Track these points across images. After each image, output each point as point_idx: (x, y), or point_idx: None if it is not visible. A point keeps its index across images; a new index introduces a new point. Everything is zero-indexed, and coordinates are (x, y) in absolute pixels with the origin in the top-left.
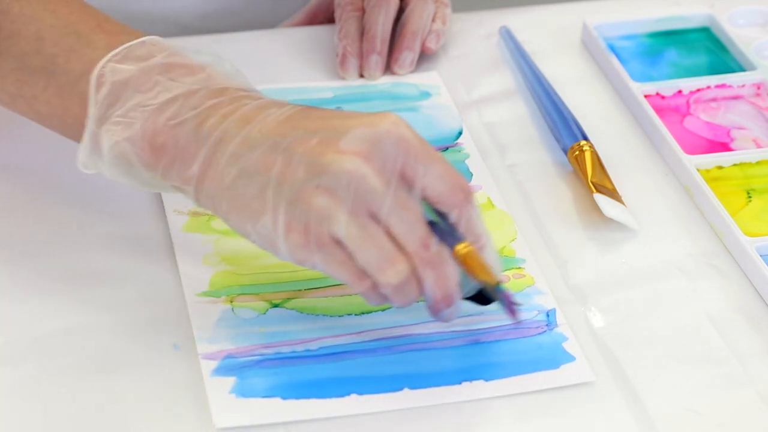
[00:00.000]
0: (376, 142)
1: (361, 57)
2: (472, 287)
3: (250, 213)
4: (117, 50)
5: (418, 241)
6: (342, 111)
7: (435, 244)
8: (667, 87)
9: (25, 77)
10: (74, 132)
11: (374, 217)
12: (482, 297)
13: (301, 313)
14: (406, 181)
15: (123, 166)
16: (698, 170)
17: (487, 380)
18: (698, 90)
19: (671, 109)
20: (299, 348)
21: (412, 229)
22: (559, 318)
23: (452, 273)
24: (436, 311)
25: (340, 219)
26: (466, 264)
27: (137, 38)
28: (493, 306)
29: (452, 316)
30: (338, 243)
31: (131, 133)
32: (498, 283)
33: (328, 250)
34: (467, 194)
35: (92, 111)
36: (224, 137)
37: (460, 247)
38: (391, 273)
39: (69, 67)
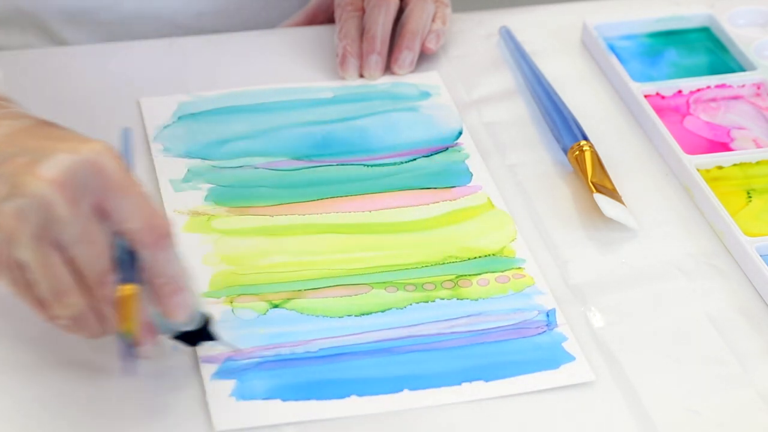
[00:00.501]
0: (74, 171)
1: (361, 57)
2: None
3: None
4: None
5: (96, 276)
6: (66, 132)
7: (111, 283)
8: (667, 87)
9: None
10: None
11: (58, 247)
12: (193, 336)
13: (301, 314)
14: (100, 214)
15: None
16: (698, 170)
17: (487, 381)
18: (698, 90)
19: (671, 109)
20: (299, 349)
21: (92, 263)
22: (559, 318)
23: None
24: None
25: (22, 243)
26: (116, 307)
27: None
28: (207, 344)
29: (143, 354)
30: (21, 267)
31: None
32: (127, 334)
33: (13, 273)
34: (160, 235)
35: None
36: None
37: (119, 289)
38: (62, 306)
39: None
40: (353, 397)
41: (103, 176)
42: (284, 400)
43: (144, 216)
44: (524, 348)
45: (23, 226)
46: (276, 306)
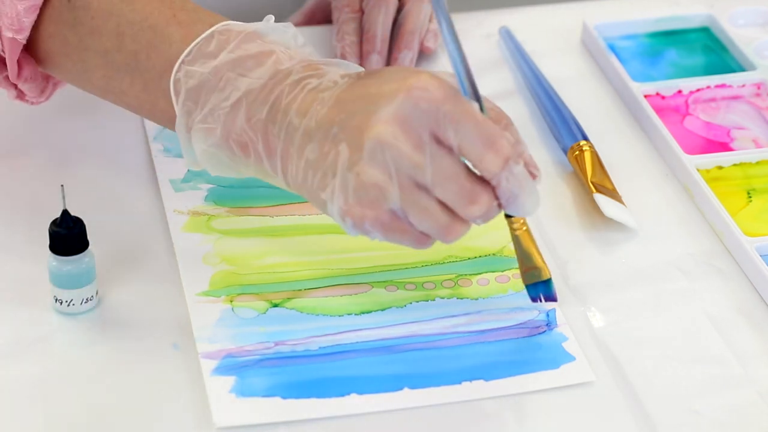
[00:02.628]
0: (405, 108)
1: (361, 57)
2: None
3: (319, 202)
4: (189, 48)
5: (465, 207)
6: (381, 78)
7: (484, 201)
8: (667, 87)
9: (111, 73)
10: (166, 124)
11: (423, 188)
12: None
13: (301, 312)
14: (443, 145)
15: (220, 166)
16: (698, 170)
17: (487, 380)
18: (698, 90)
19: (671, 109)
20: (299, 348)
21: (455, 197)
22: (559, 318)
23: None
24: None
25: (391, 193)
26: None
27: (210, 26)
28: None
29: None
30: (397, 217)
31: (215, 139)
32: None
33: (389, 225)
34: (504, 158)
35: (178, 120)
36: (290, 133)
37: (516, 228)
38: (449, 238)
39: (150, 64)
40: (353, 396)
41: (434, 107)
42: (284, 398)
43: (483, 142)
44: (524, 348)
45: (383, 174)
46: (276, 305)
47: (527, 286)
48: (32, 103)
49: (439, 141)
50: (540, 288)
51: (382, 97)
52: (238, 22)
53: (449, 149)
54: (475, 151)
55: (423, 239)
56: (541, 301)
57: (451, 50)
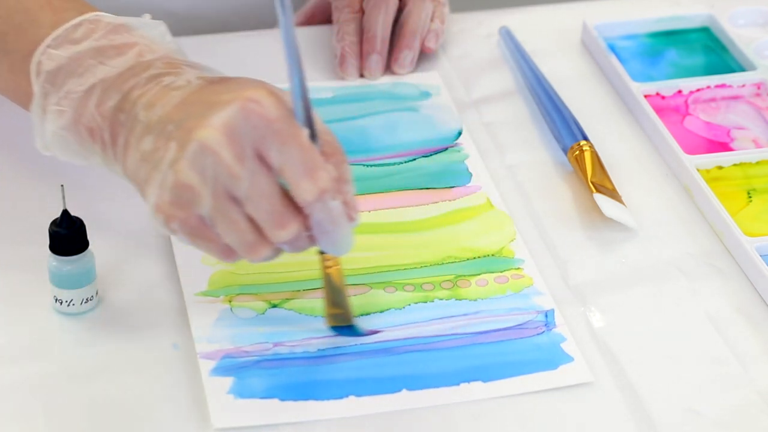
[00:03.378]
0: (234, 118)
1: (361, 57)
2: None
3: (146, 196)
4: (57, 32)
5: (272, 227)
6: (231, 84)
7: (293, 226)
8: (667, 87)
9: None
10: (28, 106)
11: (236, 201)
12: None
13: (300, 313)
14: (263, 161)
15: (68, 151)
16: (698, 170)
17: (485, 381)
18: (698, 90)
19: (671, 109)
20: (298, 349)
21: (266, 216)
22: (558, 319)
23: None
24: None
25: (203, 198)
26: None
27: (81, 14)
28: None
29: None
30: (204, 223)
31: (65, 121)
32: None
33: (196, 230)
34: (320, 190)
35: (35, 101)
36: (134, 124)
37: (326, 265)
38: (252, 256)
39: (17, 45)
40: (351, 398)
41: (262, 123)
42: (282, 399)
43: (302, 169)
44: (523, 348)
45: (199, 177)
46: (275, 306)
47: (332, 328)
48: None
49: (261, 158)
50: (344, 331)
51: (219, 103)
52: (109, 15)
53: (269, 168)
54: (293, 176)
55: (228, 253)
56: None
57: (290, 72)
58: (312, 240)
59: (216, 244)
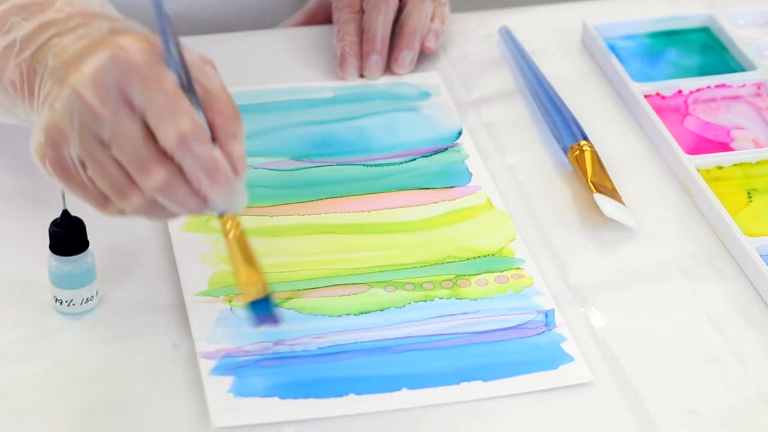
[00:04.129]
0: (102, 65)
1: (361, 57)
2: None
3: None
4: None
5: (138, 171)
6: (117, 30)
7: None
8: (667, 87)
9: None
10: None
11: (103, 144)
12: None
13: (300, 313)
14: (128, 106)
15: (2, 110)
16: (698, 170)
17: (485, 381)
18: (698, 90)
19: (671, 109)
20: (298, 348)
21: (130, 158)
22: (558, 318)
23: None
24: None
25: (71, 140)
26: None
27: None
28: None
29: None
30: (76, 168)
31: None
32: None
33: (69, 174)
34: (182, 138)
35: None
36: (44, 72)
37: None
38: (123, 201)
39: None
40: (351, 396)
41: (128, 67)
42: (282, 398)
43: (164, 112)
44: (523, 348)
45: (67, 118)
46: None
47: (247, 308)
48: None
49: (126, 101)
50: (260, 307)
51: (95, 48)
52: None
53: (134, 111)
54: (154, 120)
55: (101, 200)
56: (265, 323)
57: (157, 19)
58: (194, 192)
59: (89, 189)
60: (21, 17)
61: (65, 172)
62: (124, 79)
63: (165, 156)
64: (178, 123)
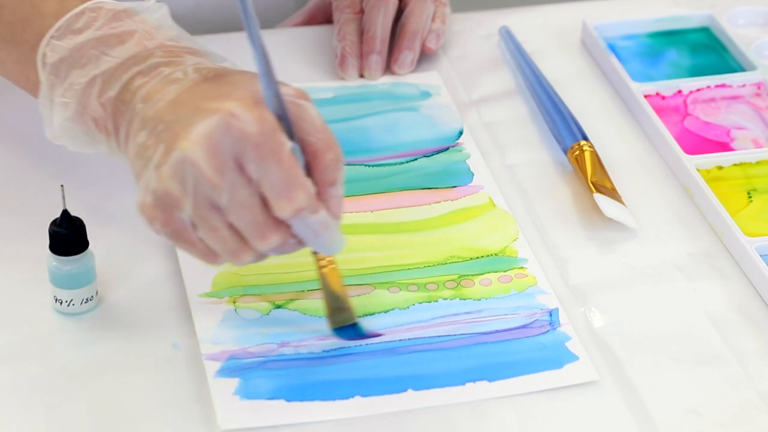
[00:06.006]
0: (212, 131)
1: (361, 57)
2: None
3: (136, 190)
4: (59, 23)
5: (255, 236)
6: (221, 87)
7: (274, 234)
8: (667, 87)
9: None
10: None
11: (217, 209)
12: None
13: (304, 314)
14: (244, 174)
15: (76, 141)
16: (698, 170)
17: (490, 381)
18: (698, 90)
19: (671, 109)
20: (303, 350)
21: (248, 226)
22: (562, 318)
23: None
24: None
25: (184, 204)
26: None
27: (83, 2)
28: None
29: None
30: (186, 228)
31: (70, 113)
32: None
33: (180, 234)
34: (296, 209)
35: (42, 92)
36: (132, 115)
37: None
38: (235, 260)
39: (24, 37)
40: (357, 398)
41: (244, 137)
42: (288, 400)
43: (280, 186)
44: (527, 348)
45: (180, 186)
46: (279, 306)
47: (334, 330)
48: None
49: (242, 169)
50: (348, 332)
51: (204, 111)
52: (111, 0)
53: (250, 180)
54: (270, 193)
55: (211, 255)
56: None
57: (263, 83)
58: (301, 244)
59: (199, 247)
60: (99, 50)
61: (175, 233)
62: (240, 149)
63: (280, 222)
64: (293, 199)
